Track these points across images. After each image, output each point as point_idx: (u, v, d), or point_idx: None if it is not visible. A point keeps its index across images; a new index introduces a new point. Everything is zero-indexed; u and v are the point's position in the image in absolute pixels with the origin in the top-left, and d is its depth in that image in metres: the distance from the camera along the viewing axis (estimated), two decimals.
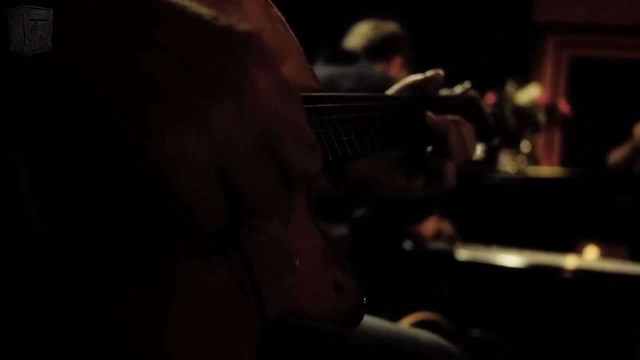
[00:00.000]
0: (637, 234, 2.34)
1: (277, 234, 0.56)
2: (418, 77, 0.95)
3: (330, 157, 0.62)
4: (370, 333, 0.90)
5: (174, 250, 0.47)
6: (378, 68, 2.24)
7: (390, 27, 2.33)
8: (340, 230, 1.85)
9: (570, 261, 2.24)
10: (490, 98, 3.06)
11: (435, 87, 0.96)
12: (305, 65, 0.69)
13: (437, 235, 2.36)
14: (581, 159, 3.77)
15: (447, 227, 2.39)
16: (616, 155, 3.06)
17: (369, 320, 0.92)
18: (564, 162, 3.77)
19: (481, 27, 3.99)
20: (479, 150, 1.05)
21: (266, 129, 0.41)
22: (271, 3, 0.67)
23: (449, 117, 0.89)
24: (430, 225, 2.18)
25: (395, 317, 1.84)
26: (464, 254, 2.32)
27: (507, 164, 3.02)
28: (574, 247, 2.36)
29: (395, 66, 2.31)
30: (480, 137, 1.04)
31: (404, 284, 2.01)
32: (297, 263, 0.57)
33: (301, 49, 0.69)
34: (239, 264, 0.50)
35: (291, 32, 0.69)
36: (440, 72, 0.95)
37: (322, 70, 2.09)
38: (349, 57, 2.13)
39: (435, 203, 2.25)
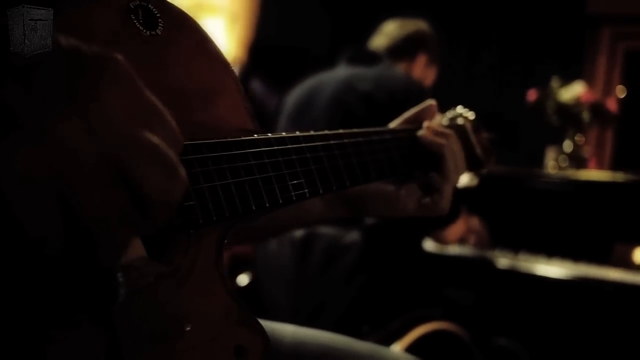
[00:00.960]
0: None
1: (165, 297, 0.53)
2: (413, 110, 0.97)
3: (227, 214, 0.58)
4: None
5: (33, 319, 0.44)
6: (401, 68, 2.18)
7: (414, 25, 2.26)
8: (353, 237, 1.81)
9: (603, 272, 2.13)
10: (532, 95, 2.94)
11: (430, 116, 0.97)
12: (240, 105, 0.66)
13: (466, 237, 2.29)
14: (636, 160, 3.59)
15: (477, 225, 2.30)
16: None
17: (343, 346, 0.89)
18: (615, 164, 3.59)
19: (532, 17, 3.84)
20: (465, 178, 1.02)
21: (116, 150, 0.39)
22: (210, 40, 0.66)
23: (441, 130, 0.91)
24: (456, 230, 2.10)
25: (407, 327, 1.79)
26: (494, 260, 2.24)
27: (549, 163, 2.91)
28: (611, 255, 2.23)
29: (419, 65, 2.24)
30: (468, 166, 1.01)
31: (421, 292, 1.95)
32: (188, 328, 0.54)
33: (240, 88, 0.67)
34: (108, 336, 0.48)
35: (231, 70, 0.67)
36: (433, 102, 0.97)
37: (343, 71, 2.05)
38: (371, 58, 2.09)
39: (462, 204, 2.18)
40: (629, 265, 2.14)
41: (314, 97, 2.00)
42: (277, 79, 3.64)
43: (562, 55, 3.70)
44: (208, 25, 2.89)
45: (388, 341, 1.72)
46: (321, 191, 0.71)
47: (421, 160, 0.90)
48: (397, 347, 1.72)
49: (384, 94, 1.88)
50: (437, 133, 0.90)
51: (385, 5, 4.07)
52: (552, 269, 2.15)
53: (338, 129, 2.03)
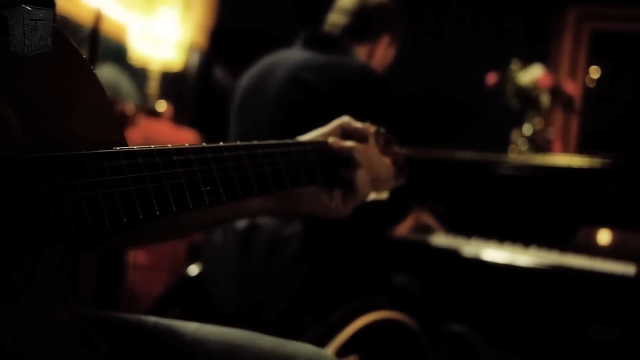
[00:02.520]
0: None
1: None
2: (354, 123, 1.01)
3: (74, 230, 0.55)
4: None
5: None
6: (362, 51, 2.04)
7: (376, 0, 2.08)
8: (294, 227, 1.79)
9: (555, 258, 2.12)
10: (491, 78, 2.92)
11: (361, 139, 1.00)
12: (104, 117, 0.65)
13: (417, 228, 2.27)
14: (602, 141, 3.59)
15: (428, 219, 2.28)
16: None
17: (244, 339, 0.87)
18: (581, 146, 3.58)
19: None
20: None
21: None
22: (74, 49, 0.63)
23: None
24: (404, 225, 2.07)
25: (351, 317, 1.78)
26: (438, 243, 2.23)
27: (510, 147, 2.90)
28: (566, 240, 2.23)
29: (382, 47, 2.08)
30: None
31: (367, 281, 1.93)
32: (14, 350, 0.52)
33: (105, 99, 0.65)
34: None
35: (97, 80, 0.64)
36: (372, 128, 1.02)
37: (296, 56, 1.91)
38: (326, 42, 1.94)
39: (413, 200, 2.16)
40: (587, 250, 2.14)
41: (263, 85, 1.89)
42: (241, 65, 3.59)
43: (528, 35, 3.68)
44: (162, 13, 2.84)
45: (331, 332, 1.70)
46: (191, 206, 0.68)
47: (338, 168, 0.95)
48: (340, 338, 1.70)
49: (332, 86, 1.76)
50: (345, 155, 0.95)
51: None
52: (503, 255, 2.14)
53: (284, 119, 1.97)
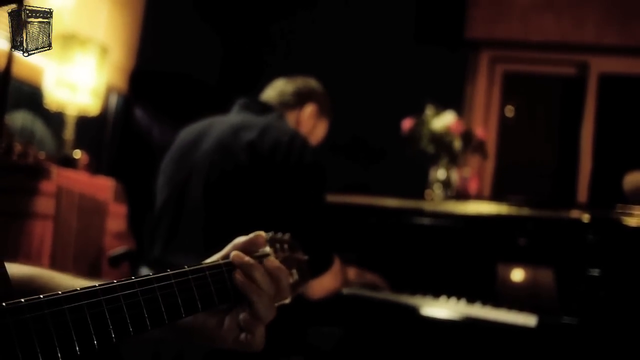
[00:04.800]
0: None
1: None
2: (242, 239, 1.01)
3: None
4: None
5: None
6: (291, 117, 2.25)
7: (304, 81, 2.35)
8: None
9: (459, 308, 2.19)
10: (407, 123, 3.00)
11: (256, 248, 1.01)
12: None
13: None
14: (517, 180, 3.74)
15: (354, 275, 2.31)
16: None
17: None
18: (496, 190, 3.71)
19: (417, 40, 3.92)
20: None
21: None
22: None
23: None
24: (324, 284, 2.05)
25: None
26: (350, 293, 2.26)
27: (426, 192, 2.97)
28: (481, 290, 2.29)
29: (307, 113, 2.30)
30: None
31: (281, 338, 1.94)
32: None
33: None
34: None
35: None
36: (262, 234, 1.02)
37: (233, 117, 2.10)
38: (262, 107, 2.15)
39: (333, 252, 2.17)
40: (496, 300, 2.20)
41: (201, 139, 2.03)
42: (161, 107, 3.57)
43: (444, 79, 3.79)
44: (79, 59, 2.80)
45: None
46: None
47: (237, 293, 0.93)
48: None
49: (267, 145, 1.90)
50: (246, 271, 0.93)
51: (278, 33, 4.08)
52: (414, 306, 2.19)
53: (220, 175, 1.99)
